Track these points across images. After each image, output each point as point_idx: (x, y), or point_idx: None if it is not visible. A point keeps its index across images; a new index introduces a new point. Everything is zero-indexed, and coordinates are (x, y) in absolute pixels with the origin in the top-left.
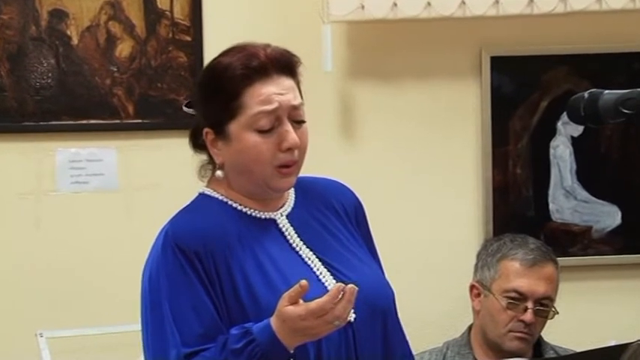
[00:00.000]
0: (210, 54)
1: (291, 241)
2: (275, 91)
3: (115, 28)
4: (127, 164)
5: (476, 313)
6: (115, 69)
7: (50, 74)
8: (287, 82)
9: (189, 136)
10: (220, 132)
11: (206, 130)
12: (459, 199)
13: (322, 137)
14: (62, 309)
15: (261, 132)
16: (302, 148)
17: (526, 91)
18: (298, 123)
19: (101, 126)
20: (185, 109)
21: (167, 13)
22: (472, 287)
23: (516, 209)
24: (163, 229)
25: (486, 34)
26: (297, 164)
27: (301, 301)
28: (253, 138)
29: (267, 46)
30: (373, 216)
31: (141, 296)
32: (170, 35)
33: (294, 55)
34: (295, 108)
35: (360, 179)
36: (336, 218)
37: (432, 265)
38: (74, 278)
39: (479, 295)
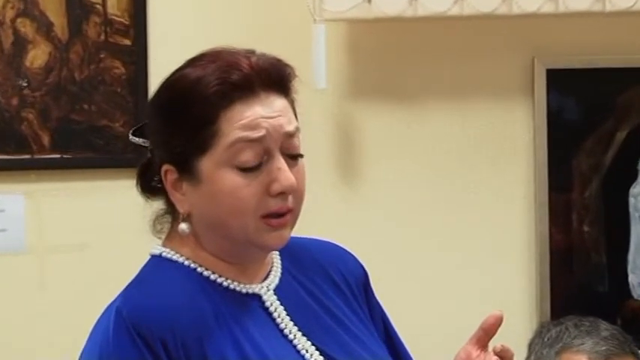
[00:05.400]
0: (157, 63)
1: (282, 325)
2: (263, 113)
3: (26, 27)
4: (39, 216)
5: None
6: (25, 84)
7: None
8: (279, 101)
9: (137, 175)
10: (186, 170)
11: (166, 167)
12: (504, 267)
13: (313, 179)
14: None
15: (244, 170)
16: (299, 192)
17: (596, 118)
18: (293, 158)
19: (4, 163)
20: (132, 138)
21: (98, 7)
22: None
23: (583, 281)
24: (111, 306)
25: (541, 39)
26: (292, 213)
27: None
28: (232, 178)
29: (251, 53)
30: (381, 289)
31: None
32: (102, 37)
33: (287, 65)
34: (290, 135)
35: (363, 237)
36: (335, 293)
37: None
38: None
39: None
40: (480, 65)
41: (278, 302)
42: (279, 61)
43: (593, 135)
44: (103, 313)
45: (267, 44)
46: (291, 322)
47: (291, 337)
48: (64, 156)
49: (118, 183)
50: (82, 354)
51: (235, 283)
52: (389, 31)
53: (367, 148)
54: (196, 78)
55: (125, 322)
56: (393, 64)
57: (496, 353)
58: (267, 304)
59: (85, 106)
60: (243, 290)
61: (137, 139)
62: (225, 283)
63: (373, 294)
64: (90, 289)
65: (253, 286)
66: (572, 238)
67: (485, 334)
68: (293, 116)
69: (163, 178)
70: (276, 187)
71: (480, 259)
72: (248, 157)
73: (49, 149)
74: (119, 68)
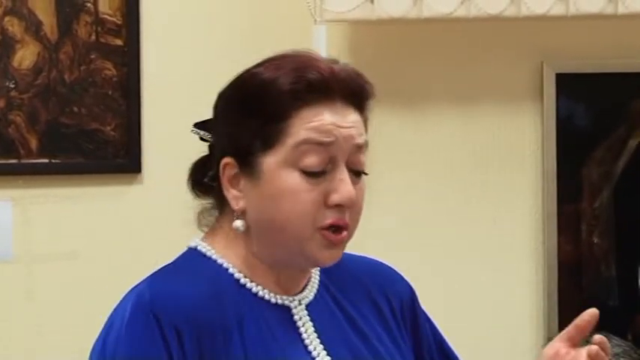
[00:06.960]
0: (150, 65)
1: (307, 342)
2: (335, 121)
3: (14, 26)
4: (26, 224)
5: None
6: (12, 85)
7: None
8: (353, 115)
9: (191, 170)
10: (247, 164)
11: (226, 160)
12: (510, 279)
13: None
14: None
15: (307, 174)
16: (357, 208)
17: (607, 125)
18: (357, 175)
19: None
20: (194, 130)
21: (89, 5)
22: None
23: (592, 295)
24: (134, 288)
25: (550, 42)
26: (349, 230)
27: None
28: (294, 180)
29: (334, 61)
30: None
31: None
32: (93, 37)
33: (368, 82)
34: (359, 149)
35: (365, 248)
36: (372, 313)
37: None
38: None
39: None
40: (487, 69)
41: (308, 318)
42: (360, 75)
43: (604, 143)
44: (125, 297)
45: (265, 46)
46: (318, 340)
47: (315, 354)
48: (53, 161)
49: (108, 189)
50: (97, 340)
51: (266, 291)
52: (392, 33)
53: (369, 155)
54: (272, 76)
55: (144, 306)
56: (396, 67)
57: (596, 343)
58: (296, 317)
59: (75, 109)
60: (273, 300)
61: (199, 131)
62: (254, 290)
63: (422, 312)
64: (80, 299)
65: (285, 297)
66: (582, 250)
67: (578, 332)
68: (364, 132)
69: (221, 171)
70: (335, 198)
71: (484, 272)
72: (313, 161)
73: (37, 154)
74: (110, 70)
